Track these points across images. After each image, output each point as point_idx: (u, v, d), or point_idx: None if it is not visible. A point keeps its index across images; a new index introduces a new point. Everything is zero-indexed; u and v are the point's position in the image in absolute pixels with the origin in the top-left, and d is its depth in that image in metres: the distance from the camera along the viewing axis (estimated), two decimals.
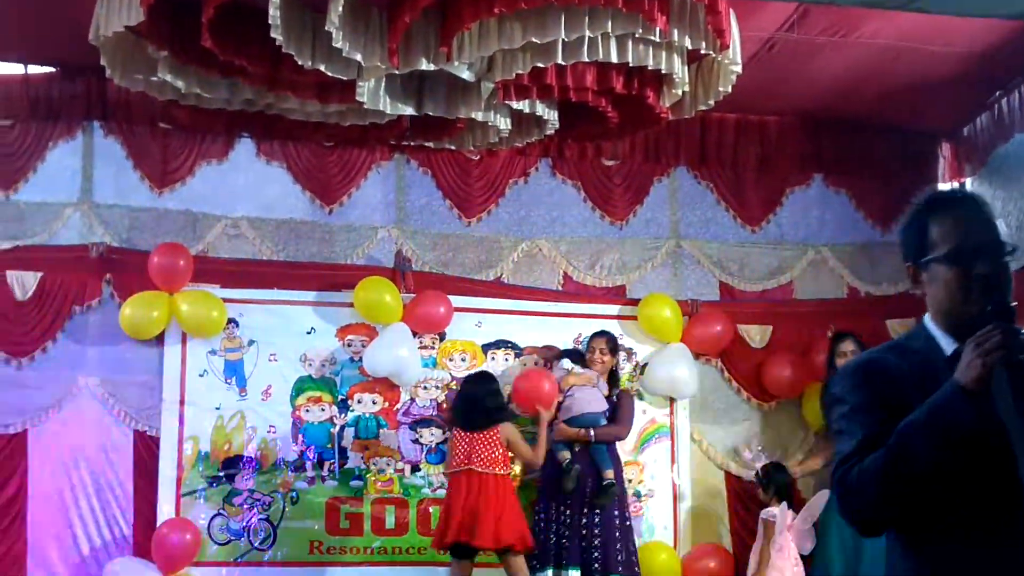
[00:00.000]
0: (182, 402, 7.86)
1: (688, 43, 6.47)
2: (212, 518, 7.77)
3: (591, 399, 7.71)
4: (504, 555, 7.13)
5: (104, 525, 7.67)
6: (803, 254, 9.06)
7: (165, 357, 7.90)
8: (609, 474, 7.54)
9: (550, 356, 8.14)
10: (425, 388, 8.11)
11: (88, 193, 8.18)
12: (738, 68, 6.89)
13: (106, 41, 6.75)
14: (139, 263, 7.83)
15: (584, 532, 7.45)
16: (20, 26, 7.48)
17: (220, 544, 7.75)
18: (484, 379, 7.65)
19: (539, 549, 7.47)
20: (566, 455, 7.54)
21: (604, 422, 7.71)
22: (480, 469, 7.17)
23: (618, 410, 7.81)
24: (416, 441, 8.07)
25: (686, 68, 6.92)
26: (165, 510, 7.69)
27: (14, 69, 8.15)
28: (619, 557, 7.44)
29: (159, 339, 7.89)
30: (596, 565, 7.38)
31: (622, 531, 7.55)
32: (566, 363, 7.81)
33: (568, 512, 7.48)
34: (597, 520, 7.47)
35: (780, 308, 8.87)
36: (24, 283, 7.82)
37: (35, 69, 8.17)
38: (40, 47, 7.91)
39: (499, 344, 8.33)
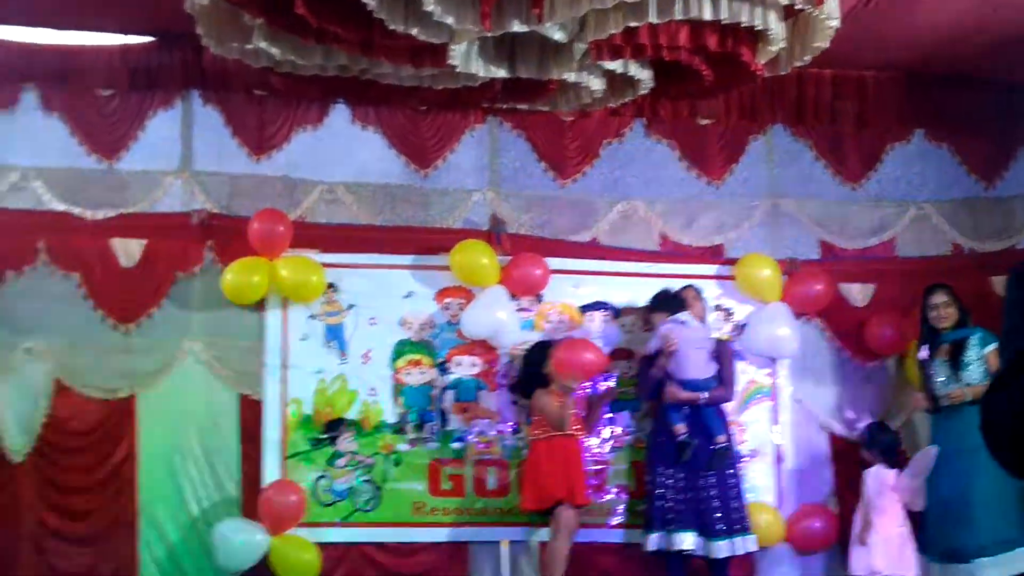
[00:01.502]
0: (284, 366, 7.94)
1: None
2: (316, 480, 7.86)
3: (703, 361, 7.64)
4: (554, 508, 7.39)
5: (212, 487, 7.79)
6: (905, 211, 8.92)
7: (267, 322, 7.98)
8: (721, 439, 7.51)
9: (647, 314, 7.99)
10: (524, 350, 8.03)
11: (188, 161, 8.27)
12: (835, 22, 6.79)
13: (202, 10, 6.82)
14: (239, 229, 7.91)
15: (701, 495, 7.44)
16: None
17: (325, 505, 7.83)
18: (529, 350, 7.80)
19: (647, 512, 7.56)
20: (681, 428, 7.49)
21: (715, 384, 7.66)
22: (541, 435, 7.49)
23: (723, 369, 7.74)
24: (515, 403, 8.07)
25: (782, 24, 6.81)
26: (270, 472, 7.79)
27: (113, 40, 8.25)
28: (735, 516, 7.45)
29: (260, 304, 7.98)
30: (719, 526, 7.37)
31: (736, 489, 7.55)
32: (683, 315, 7.69)
33: (683, 476, 7.46)
34: (713, 482, 7.46)
35: (882, 266, 8.76)
36: (129, 251, 7.95)
37: (133, 39, 8.26)
38: (138, 17, 7.98)
39: (597, 306, 8.30)
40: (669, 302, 7.81)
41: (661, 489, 7.49)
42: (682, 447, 7.44)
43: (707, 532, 7.37)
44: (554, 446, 7.40)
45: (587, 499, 7.55)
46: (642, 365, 7.90)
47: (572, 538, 7.38)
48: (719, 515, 7.39)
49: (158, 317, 7.95)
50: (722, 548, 7.35)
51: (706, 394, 7.56)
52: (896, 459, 7.76)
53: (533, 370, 7.63)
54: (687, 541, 7.32)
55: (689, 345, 7.61)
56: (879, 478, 7.60)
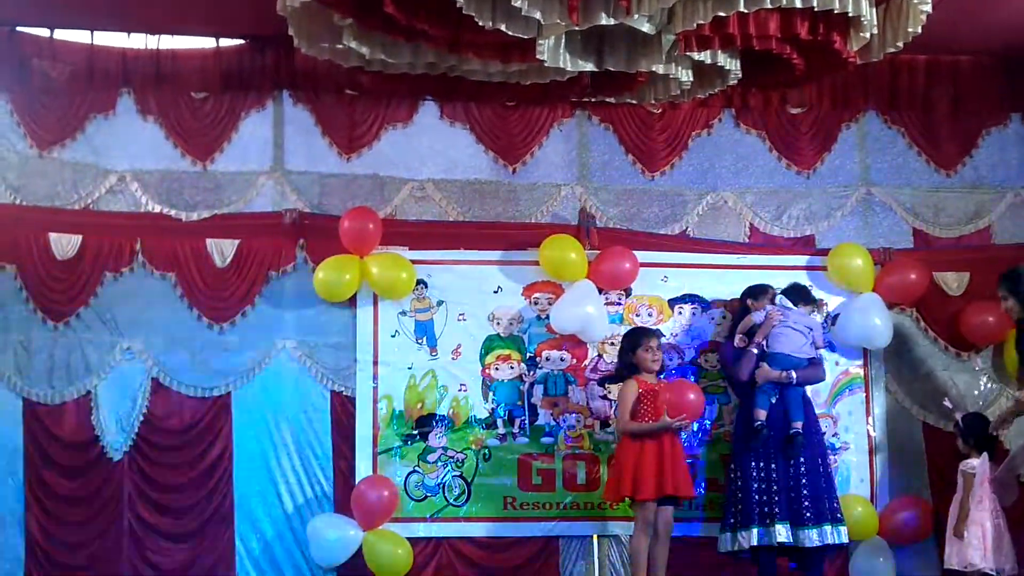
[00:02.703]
0: (375, 362, 8.05)
1: None
2: (408, 475, 7.96)
3: (800, 342, 7.59)
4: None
5: (306, 483, 7.93)
6: (1002, 197, 8.77)
7: (358, 319, 8.10)
8: (797, 425, 7.44)
9: (765, 298, 7.86)
10: (612, 344, 8.06)
11: (280, 161, 8.40)
12: (928, 7, 6.71)
13: (293, 11, 6.93)
14: (330, 228, 8.04)
15: (791, 483, 7.38)
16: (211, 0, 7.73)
17: (416, 500, 7.94)
18: (623, 337, 7.75)
19: (741, 508, 7.45)
20: (760, 413, 7.44)
21: (807, 365, 7.60)
22: None
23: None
24: (604, 397, 8.08)
25: (873, 10, 6.72)
26: (363, 468, 7.91)
27: (206, 43, 8.42)
28: (827, 505, 7.37)
29: (351, 301, 8.09)
30: (808, 514, 7.30)
31: (826, 478, 7.48)
32: (786, 301, 7.71)
33: (774, 467, 7.41)
34: (803, 470, 7.40)
35: (978, 254, 8.59)
36: (223, 250, 8.11)
37: (226, 42, 8.42)
38: (230, 20, 8.13)
39: (686, 299, 8.29)
40: (796, 292, 7.84)
41: (751, 483, 7.43)
42: (756, 433, 7.40)
43: (797, 520, 7.30)
44: (629, 440, 7.34)
45: (648, 495, 7.19)
46: (735, 352, 7.77)
47: (647, 534, 7.28)
48: (808, 504, 7.31)
49: (251, 315, 8.10)
50: (812, 537, 7.27)
51: (794, 374, 7.49)
52: (993, 450, 7.60)
53: (621, 359, 7.63)
54: (781, 533, 7.26)
55: (788, 323, 7.57)
56: (979, 468, 7.46)
